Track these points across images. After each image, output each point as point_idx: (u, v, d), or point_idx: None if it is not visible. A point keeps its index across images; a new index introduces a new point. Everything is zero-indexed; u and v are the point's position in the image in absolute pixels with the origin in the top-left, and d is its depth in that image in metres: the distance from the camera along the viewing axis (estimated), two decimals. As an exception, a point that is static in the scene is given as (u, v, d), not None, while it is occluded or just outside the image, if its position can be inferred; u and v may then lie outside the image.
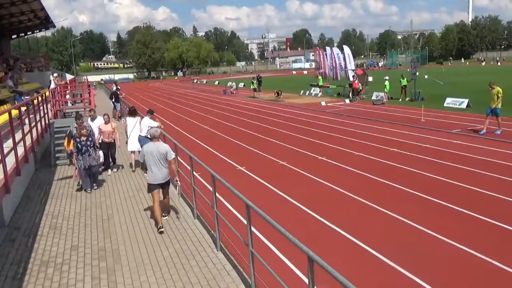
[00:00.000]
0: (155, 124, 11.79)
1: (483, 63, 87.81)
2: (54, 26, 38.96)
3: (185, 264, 6.21)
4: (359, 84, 31.15)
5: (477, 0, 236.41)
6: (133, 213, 8.50)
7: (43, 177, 11.69)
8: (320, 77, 40.87)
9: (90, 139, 9.98)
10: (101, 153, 10.93)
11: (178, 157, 9.82)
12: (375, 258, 6.67)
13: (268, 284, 5.42)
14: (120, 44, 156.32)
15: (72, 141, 10.44)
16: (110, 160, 11.99)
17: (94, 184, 10.30)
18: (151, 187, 7.76)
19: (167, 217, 8.09)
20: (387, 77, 31.47)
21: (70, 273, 6.12)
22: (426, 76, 41.85)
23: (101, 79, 73.07)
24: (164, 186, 7.87)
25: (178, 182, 8.19)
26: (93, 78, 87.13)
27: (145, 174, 9.08)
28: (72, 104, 24.84)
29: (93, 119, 12.03)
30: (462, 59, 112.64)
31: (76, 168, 10.23)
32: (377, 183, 10.52)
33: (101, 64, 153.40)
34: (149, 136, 11.71)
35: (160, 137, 12.63)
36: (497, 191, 9.35)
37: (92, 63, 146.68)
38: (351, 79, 36.10)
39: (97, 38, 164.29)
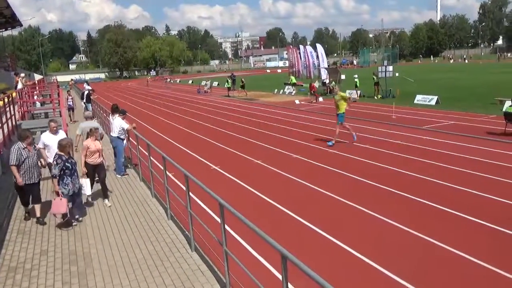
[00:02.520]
0: (126, 125, 11.60)
1: (451, 61, 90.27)
2: (21, 25, 37.88)
3: (159, 265, 6.13)
4: (317, 88, 30.97)
5: None
6: (105, 215, 8.34)
7: (10, 181, 11.30)
8: (292, 76, 40.95)
9: (70, 155, 8.00)
10: (87, 181, 8.58)
11: (152, 157, 9.67)
12: (351, 256, 6.75)
13: (243, 282, 5.42)
14: (91, 43, 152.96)
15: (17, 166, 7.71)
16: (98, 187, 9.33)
17: (79, 217, 8.03)
18: None
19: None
20: (356, 75, 32.05)
21: (39, 278, 5.95)
22: (397, 74, 42.67)
23: (71, 79, 71.20)
24: None
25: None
26: (63, 78, 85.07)
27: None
28: (41, 105, 24.20)
29: (55, 132, 9.13)
30: (432, 56, 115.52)
31: (60, 197, 7.56)
32: (351, 180, 10.65)
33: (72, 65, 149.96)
34: (121, 137, 11.58)
35: (131, 136, 12.51)
36: (465, 185, 9.61)
37: (64, 64, 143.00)
38: (323, 77, 36.50)
39: (67, 37, 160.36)
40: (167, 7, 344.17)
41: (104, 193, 9.06)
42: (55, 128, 9.13)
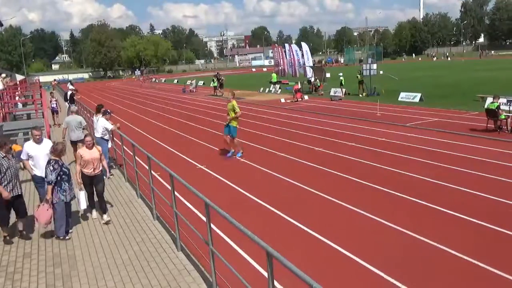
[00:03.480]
0: (110, 126, 11.48)
1: (434, 59, 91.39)
2: (1, 25, 37.20)
3: (144, 266, 6.09)
4: (299, 87, 30.96)
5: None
6: (90, 216, 8.25)
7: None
8: (274, 74, 40.83)
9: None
10: (82, 194, 7.81)
11: (137, 158, 9.59)
12: (336, 252, 6.79)
13: (229, 281, 5.41)
14: (74, 43, 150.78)
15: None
16: (95, 200, 8.26)
17: (70, 230, 7.50)
18: None
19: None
20: (341, 73, 32.29)
21: (23, 282, 5.87)
22: (381, 72, 43.05)
23: (54, 79, 70.11)
24: None
25: None
26: (45, 78, 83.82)
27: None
28: (23, 106, 23.82)
29: (39, 141, 8.02)
30: (413, 54, 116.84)
31: (48, 206, 7.05)
32: (338, 178, 10.72)
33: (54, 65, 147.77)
34: (105, 138, 11.46)
35: (116, 136, 12.38)
36: (447, 181, 9.76)
37: (47, 64, 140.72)
38: (309, 75, 36.66)
39: (49, 37, 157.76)
40: (151, 6, 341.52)
41: (101, 207, 8.07)
42: (38, 137, 7.98)
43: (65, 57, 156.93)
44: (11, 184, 7.02)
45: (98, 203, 8.16)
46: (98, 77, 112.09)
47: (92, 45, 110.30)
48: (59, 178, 7.11)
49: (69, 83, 33.73)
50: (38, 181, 7.88)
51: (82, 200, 7.75)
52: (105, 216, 7.95)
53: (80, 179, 7.88)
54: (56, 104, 22.20)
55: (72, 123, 12.25)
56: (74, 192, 7.50)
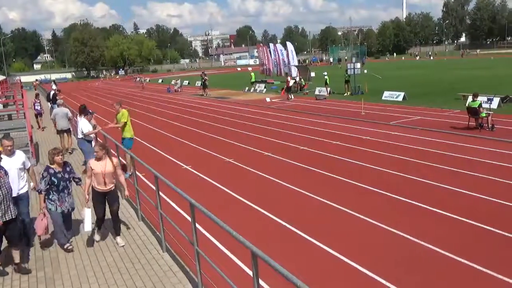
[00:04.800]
0: (90, 127, 11.28)
1: (417, 58, 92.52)
2: (-19, 24, 36.39)
3: (129, 268, 6.05)
4: (292, 83, 31.11)
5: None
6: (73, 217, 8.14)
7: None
8: (252, 74, 40.40)
9: (68, 168, 6.73)
10: (87, 212, 6.68)
11: (120, 158, 9.49)
12: (323, 251, 6.84)
13: (215, 281, 5.40)
14: (56, 42, 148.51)
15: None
16: (105, 220, 7.12)
17: (70, 239, 6.88)
18: None
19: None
20: (325, 72, 32.49)
21: (4, 286, 5.76)
22: (365, 71, 43.46)
23: (36, 79, 69.02)
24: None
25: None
26: (27, 78, 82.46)
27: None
28: (4, 107, 23.37)
29: (10, 153, 6.66)
30: (395, 54, 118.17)
31: (43, 216, 6.49)
32: (323, 177, 10.78)
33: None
34: (86, 138, 11.26)
35: (99, 136, 12.25)
36: (428, 178, 9.90)
37: (29, 64, 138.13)
38: (294, 74, 36.77)
39: (30, 36, 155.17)
40: (135, 5, 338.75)
41: (115, 228, 6.98)
42: (10, 148, 6.62)
43: (47, 56, 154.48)
44: (2, 207, 5.77)
45: (112, 223, 7.02)
46: (81, 77, 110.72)
47: (75, 44, 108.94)
48: (49, 186, 6.44)
49: (52, 83, 33.15)
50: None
51: (86, 221, 6.62)
52: (119, 239, 6.88)
53: (89, 195, 6.78)
54: (40, 106, 20.92)
55: (59, 114, 13.99)
56: (70, 203, 6.76)
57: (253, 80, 38.10)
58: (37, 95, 22.02)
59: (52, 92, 24.57)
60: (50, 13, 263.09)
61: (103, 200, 6.85)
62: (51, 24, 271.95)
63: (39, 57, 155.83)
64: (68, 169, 6.69)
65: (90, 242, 6.93)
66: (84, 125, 11.24)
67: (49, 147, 15.38)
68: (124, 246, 6.79)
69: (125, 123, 11.27)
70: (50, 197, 6.52)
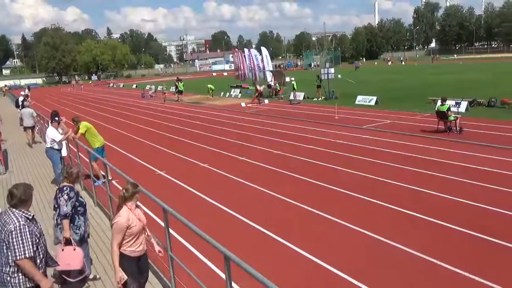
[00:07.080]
0: (57, 135, 10.71)
1: (390, 63, 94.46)
2: None
3: (102, 275, 5.96)
4: (262, 88, 31.29)
5: (382, 4, 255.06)
6: (43, 225, 7.96)
7: None
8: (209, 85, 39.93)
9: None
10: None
11: (93, 164, 9.36)
12: (295, 253, 6.91)
13: (189, 286, 5.39)
14: (26, 47, 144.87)
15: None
16: None
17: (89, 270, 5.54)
18: None
19: None
20: (293, 78, 32.94)
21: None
22: (339, 76, 44.09)
23: (5, 85, 67.14)
24: None
25: None
26: (-5, 84, 79.92)
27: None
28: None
29: None
30: (364, 59, 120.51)
31: (74, 246, 5.15)
32: (299, 181, 10.89)
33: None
34: (54, 147, 10.80)
35: (71, 143, 11.97)
36: (399, 180, 10.16)
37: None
38: (268, 79, 36.99)
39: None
40: (108, 10, 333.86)
41: None
42: None
43: (16, 61, 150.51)
44: (42, 263, 4.23)
45: None
46: (52, 82, 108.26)
47: (46, 49, 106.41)
48: (73, 210, 5.38)
49: (27, 88, 32.53)
50: None
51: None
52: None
53: (120, 270, 4.51)
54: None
55: (25, 113, 16.76)
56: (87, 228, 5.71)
57: (212, 88, 37.29)
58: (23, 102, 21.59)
59: (21, 98, 23.92)
60: (19, 17, 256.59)
61: (138, 269, 4.74)
62: (21, 29, 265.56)
63: (8, 62, 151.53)
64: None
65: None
66: (52, 133, 10.66)
67: (19, 154, 14.99)
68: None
69: (90, 134, 11.20)
70: (76, 222, 5.37)
